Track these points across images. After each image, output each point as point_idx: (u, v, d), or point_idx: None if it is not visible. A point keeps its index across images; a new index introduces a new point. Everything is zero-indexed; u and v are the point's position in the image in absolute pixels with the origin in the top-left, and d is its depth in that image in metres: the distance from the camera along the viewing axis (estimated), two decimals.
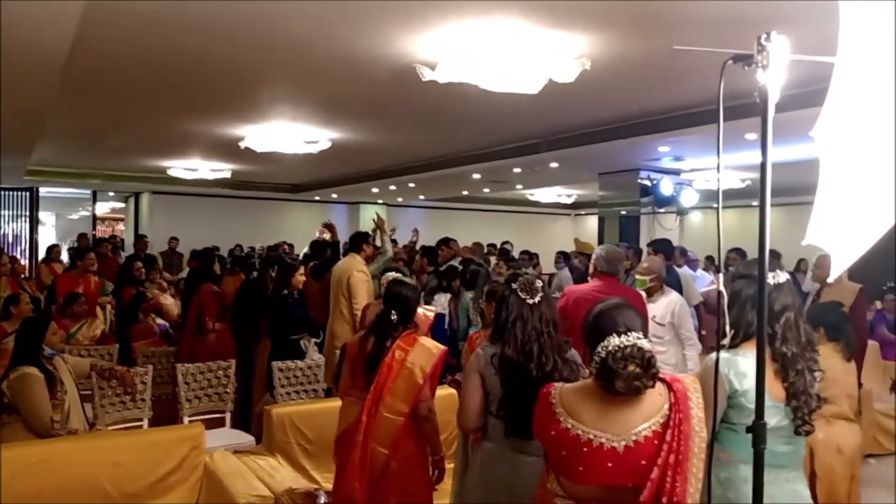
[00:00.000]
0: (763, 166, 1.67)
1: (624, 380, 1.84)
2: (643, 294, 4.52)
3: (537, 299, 2.58)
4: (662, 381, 1.95)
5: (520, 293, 2.61)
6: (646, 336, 1.94)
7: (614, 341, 1.88)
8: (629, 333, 1.89)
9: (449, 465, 3.15)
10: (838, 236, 1.67)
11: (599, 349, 1.89)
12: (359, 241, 6.12)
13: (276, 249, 9.41)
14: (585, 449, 1.88)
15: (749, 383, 2.11)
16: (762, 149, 1.68)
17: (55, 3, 3.48)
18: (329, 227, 7.73)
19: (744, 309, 2.26)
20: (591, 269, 4.40)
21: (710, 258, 10.25)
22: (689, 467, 1.86)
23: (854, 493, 3.43)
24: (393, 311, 3.02)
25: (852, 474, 3.41)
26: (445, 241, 7.31)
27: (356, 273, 5.65)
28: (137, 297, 6.37)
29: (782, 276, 2.27)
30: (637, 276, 4.70)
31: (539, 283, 2.63)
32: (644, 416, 1.88)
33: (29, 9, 3.54)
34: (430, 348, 2.98)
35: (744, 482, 2.07)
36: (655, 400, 1.90)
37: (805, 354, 2.20)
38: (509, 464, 2.50)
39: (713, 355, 2.17)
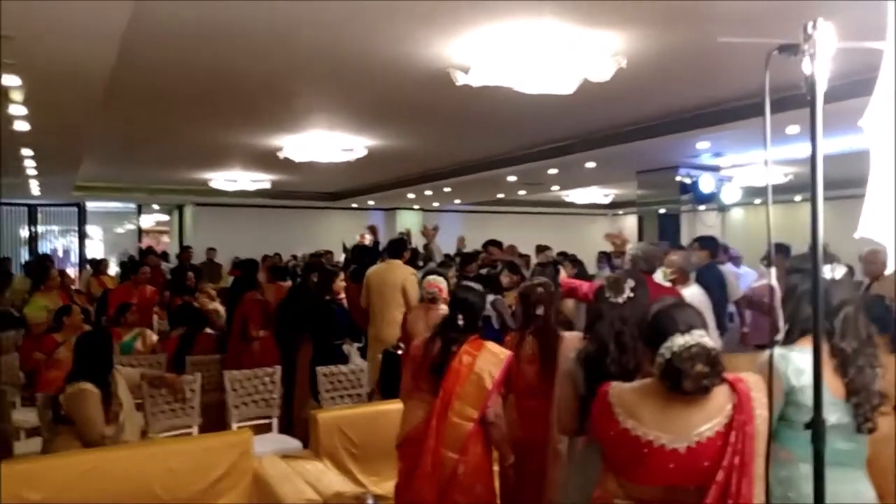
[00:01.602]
0: (813, 158, 1.64)
1: (692, 379, 1.82)
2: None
3: (621, 299, 2.59)
4: (725, 380, 1.92)
5: (606, 292, 2.64)
6: (707, 333, 1.92)
7: (679, 341, 1.86)
8: (692, 332, 1.87)
9: None
10: (892, 229, 1.62)
11: (663, 350, 1.87)
12: (400, 248, 6.17)
13: (321, 257, 9.54)
14: (646, 450, 1.86)
15: (807, 380, 2.04)
16: (812, 141, 1.64)
17: (100, 20, 3.59)
18: (372, 229, 7.83)
19: (800, 304, 2.19)
20: (630, 268, 4.39)
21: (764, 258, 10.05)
22: (754, 468, 1.83)
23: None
24: (460, 316, 3.03)
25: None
26: (493, 243, 7.32)
27: (410, 277, 5.70)
28: (185, 306, 6.51)
29: (840, 271, 2.20)
30: (660, 270, 4.74)
31: (629, 284, 2.64)
32: (706, 417, 1.85)
33: (74, 26, 3.66)
34: (497, 353, 2.98)
35: (804, 481, 2.00)
36: (718, 400, 1.87)
37: (866, 350, 2.12)
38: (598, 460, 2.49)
39: (768, 352, 2.13)
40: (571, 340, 3.16)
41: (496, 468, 3.11)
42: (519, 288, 3.64)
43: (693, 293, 4.70)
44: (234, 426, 4.60)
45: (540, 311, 3.39)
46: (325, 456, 3.91)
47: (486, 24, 4.21)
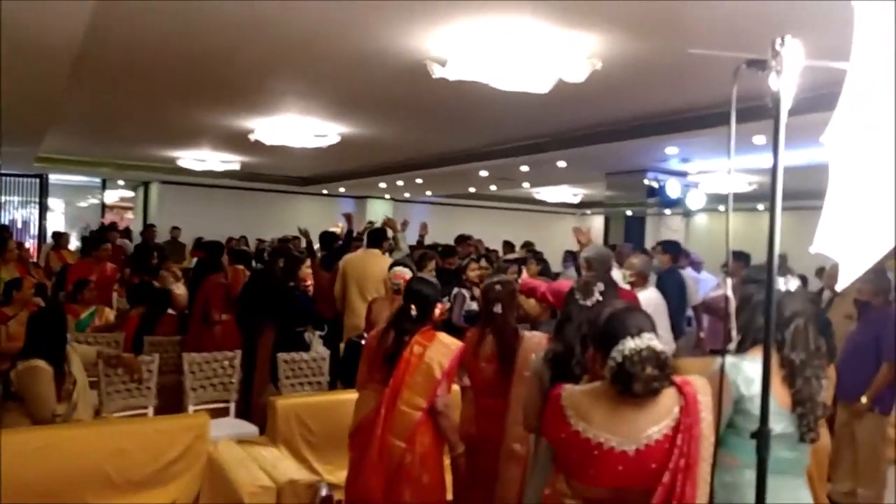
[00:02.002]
0: (774, 171, 1.67)
1: (643, 382, 1.85)
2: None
3: (590, 302, 2.61)
4: (673, 383, 1.95)
5: (575, 294, 2.67)
6: (656, 336, 1.95)
7: (629, 344, 1.88)
8: (642, 335, 1.89)
9: None
10: (847, 246, 1.66)
11: (614, 353, 1.89)
12: (380, 238, 6.16)
13: (289, 242, 9.45)
14: (596, 452, 1.88)
15: (756, 389, 2.07)
16: (774, 154, 1.68)
17: None
18: (347, 217, 7.82)
19: (753, 314, 2.23)
20: (584, 269, 4.45)
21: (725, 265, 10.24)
22: (699, 471, 1.87)
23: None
24: (413, 307, 3.04)
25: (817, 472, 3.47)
26: (463, 238, 7.34)
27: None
28: (144, 285, 6.40)
29: (794, 283, 2.24)
30: (619, 272, 4.86)
31: (599, 287, 2.67)
32: (655, 420, 1.88)
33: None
34: (448, 344, 3.01)
35: (748, 487, 2.04)
36: (666, 403, 1.91)
37: (813, 362, 2.17)
38: None
39: (720, 360, 2.17)
40: (531, 340, 3.20)
41: (447, 462, 3.14)
42: (482, 285, 3.66)
43: (649, 296, 4.81)
44: (191, 409, 4.56)
45: (498, 309, 3.39)
46: (281, 443, 3.90)
47: (465, 18, 4.21)
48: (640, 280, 4.95)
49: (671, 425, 1.88)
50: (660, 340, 4.70)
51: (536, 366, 2.65)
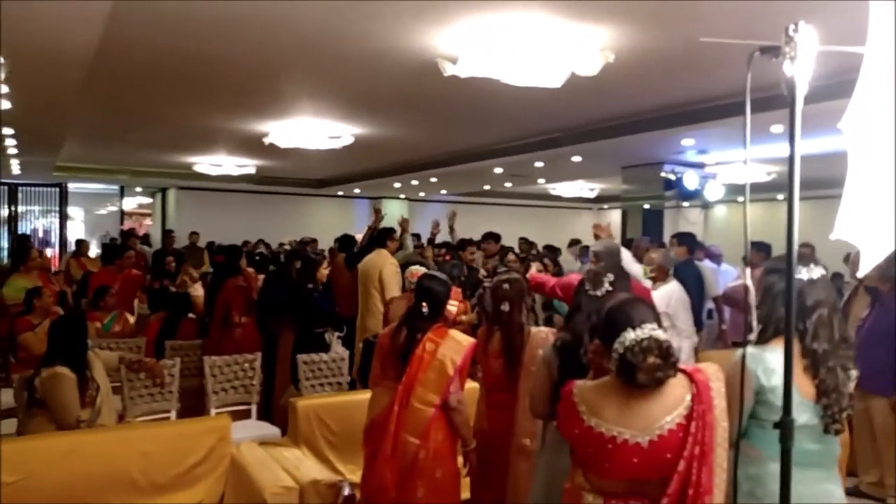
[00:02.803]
0: (791, 160, 1.65)
1: (645, 372, 1.85)
2: (646, 283, 4.61)
3: (600, 292, 2.65)
4: (683, 371, 1.95)
5: (585, 285, 2.71)
6: (660, 327, 1.94)
7: (630, 335, 1.88)
8: (643, 326, 1.89)
9: None
10: (867, 231, 1.64)
11: (616, 345, 1.90)
12: (384, 237, 6.19)
13: (307, 245, 9.53)
14: (610, 446, 1.88)
15: (777, 379, 2.07)
16: (790, 142, 1.66)
17: (83, 1, 3.54)
18: (377, 212, 7.85)
19: (774, 304, 2.20)
20: (592, 262, 4.43)
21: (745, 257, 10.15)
22: (714, 458, 1.86)
23: None
24: (424, 304, 3.07)
25: None
26: (491, 236, 7.34)
27: (388, 266, 5.74)
28: (162, 291, 6.47)
29: (817, 272, 2.20)
30: (639, 267, 4.85)
31: (608, 278, 2.69)
32: (667, 410, 1.88)
33: (58, 5, 3.61)
34: (460, 341, 3.03)
35: (772, 479, 2.01)
36: (677, 392, 1.90)
37: (838, 352, 2.13)
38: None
39: (740, 351, 2.15)
40: (538, 336, 3.21)
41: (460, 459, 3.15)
42: (490, 283, 3.68)
43: (671, 290, 4.78)
44: (213, 412, 4.59)
45: (505, 307, 3.43)
46: (303, 443, 3.92)
47: (476, 15, 4.20)
48: (661, 274, 4.95)
49: (684, 414, 1.88)
50: (681, 334, 4.68)
51: (545, 353, 2.67)
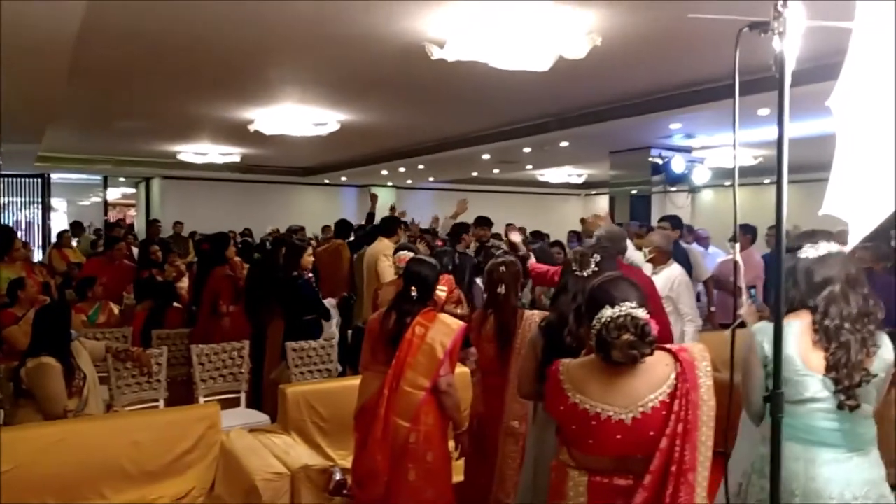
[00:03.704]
0: (780, 137, 1.66)
1: (619, 349, 1.87)
2: (647, 268, 4.58)
3: (586, 273, 2.65)
4: (669, 351, 1.97)
5: (572, 265, 2.71)
6: (643, 307, 1.94)
7: (607, 312, 1.91)
8: (623, 304, 1.91)
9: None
10: (855, 206, 1.65)
11: (595, 322, 1.93)
12: (393, 226, 6.23)
13: (295, 233, 9.50)
14: (594, 422, 1.91)
15: (785, 351, 2.06)
16: (779, 118, 1.66)
17: None
18: (373, 197, 7.84)
19: (785, 281, 2.15)
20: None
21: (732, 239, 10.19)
22: (699, 436, 1.87)
23: None
24: (413, 288, 3.07)
25: None
26: (483, 221, 7.32)
27: (382, 258, 5.77)
28: (149, 280, 6.41)
29: (825, 248, 2.18)
30: (634, 249, 4.78)
31: (595, 258, 2.68)
32: (651, 387, 1.90)
33: None
34: (449, 324, 3.04)
35: (789, 460, 1.99)
36: (662, 370, 1.92)
37: (856, 327, 2.09)
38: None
39: (757, 325, 2.16)
40: (530, 319, 3.22)
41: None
42: (486, 266, 3.67)
43: (673, 273, 4.71)
44: (202, 400, 4.57)
45: (501, 289, 3.43)
46: (293, 430, 3.91)
47: None
48: (660, 257, 4.80)
49: (668, 392, 1.89)
50: (684, 317, 4.64)
51: (531, 334, 2.67)
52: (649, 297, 2.11)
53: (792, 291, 2.15)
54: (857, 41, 1.63)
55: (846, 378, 2.05)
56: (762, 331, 2.16)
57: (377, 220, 7.22)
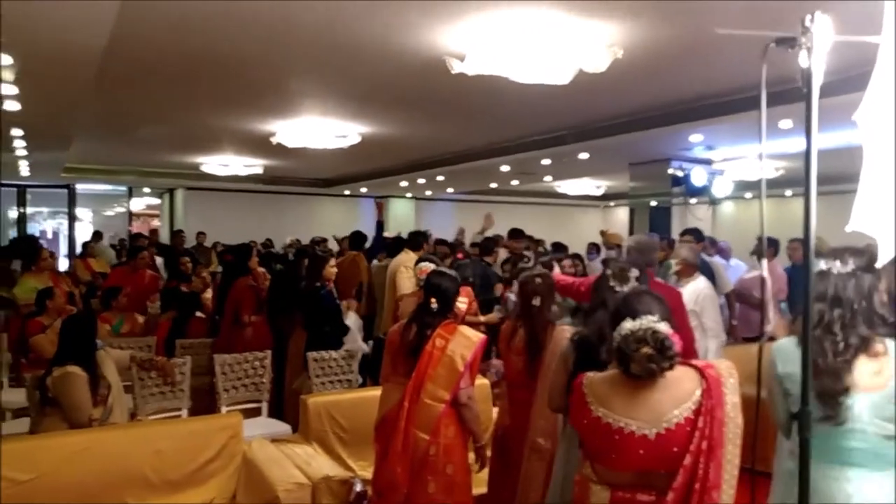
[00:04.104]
0: (808, 152, 1.66)
1: (638, 362, 1.86)
2: (670, 280, 4.56)
3: (625, 289, 2.63)
4: (695, 367, 1.95)
5: (610, 281, 2.70)
6: (670, 321, 1.94)
7: (627, 325, 1.91)
8: (644, 317, 1.91)
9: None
10: (884, 222, 1.64)
11: (615, 335, 1.93)
12: (419, 240, 6.42)
13: (318, 244, 9.58)
14: (617, 437, 1.90)
15: (792, 367, 2.03)
16: (807, 134, 1.66)
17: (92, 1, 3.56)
18: (379, 205, 7.90)
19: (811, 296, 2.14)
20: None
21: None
22: (724, 454, 1.85)
23: None
24: (433, 300, 3.08)
25: None
26: (517, 233, 7.34)
27: (402, 269, 5.84)
28: (174, 290, 6.48)
29: (825, 264, 2.14)
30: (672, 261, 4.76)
31: (634, 274, 2.66)
32: (675, 403, 1.89)
33: (67, 5, 3.62)
34: (469, 336, 3.04)
35: (816, 479, 1.91)
36: (687, 386, 1.91)
37: (848, 330, 2.03)
38: None
39: (775, 343, 2.14)
40: (562, 335, 3.19)
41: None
42: (519, 278, 3.65)
43: (699, 287, 4.67)
44: (224, 410, 4.61)
45: (536, 302, 3.41)
46: (314, 440, 3.92)
47: (483, 12, 4.19)
48: (686, 269, 4.77)
49: (692, 408, 1.88)
50: (707, 332, 4.57)
51: (563, 348, 2.66)
52: (675, 311, 2.10)
53: (819, 306, 2.09)
54: (884, 55, 1.62)
55: (819, 387, 1.98)
56: (777, 349, 2.13)
57: (386, 229, 7.31)
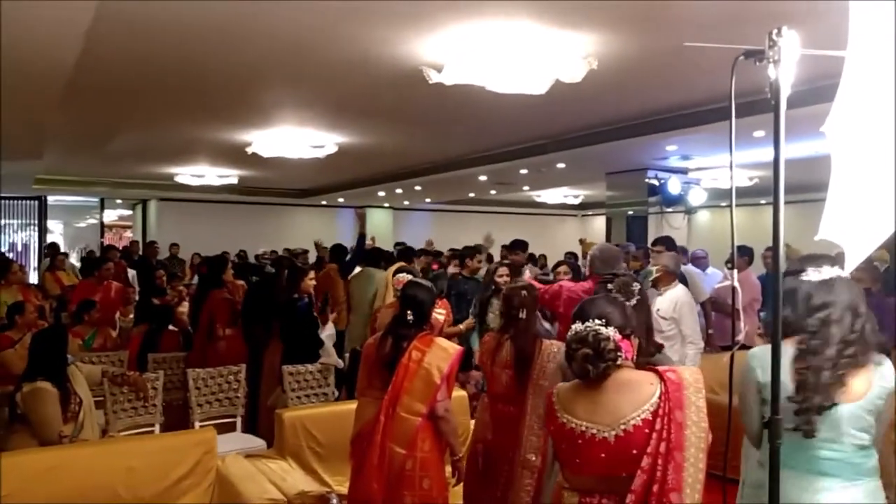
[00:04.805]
0: (776, 162, 1.67)
1: (577, 362, 1.91)
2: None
3: (633, 302, 2.63)
4: (655, 371, 1.99)
5: (615, 294, 2.68)
6: (624, 327, 1.96)
7: (575, 327, 1.96)
8: (593, 320, 1.94)
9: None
10: (851, 231, 1.66)
11: (567, 338, 1.98)
12: (411, 254, 6.57)
13: (297, 256, 9.50)
14: (580, 441, 1.93)
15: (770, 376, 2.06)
16: (775, 145, 1.68)
17: (64, 11, 3.50)
18: (361, 216, 7.83)
19: (785, 305, 2.08)
20: (587, 270, 4.39)
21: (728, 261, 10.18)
22: (686, 457, 1.85)
23: None
24: (409, 313, 3.05)
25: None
26: (518, 244, 7.30)
27: (384, 280, 5.89)
28: (147, 303, 6.39)
29: (829, 272, 2.14)
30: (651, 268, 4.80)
31: (636, 287, 2.66)
32: (634, 406, 1.91)
33: (38, 18, 3.57)
34: (446, 348, 3.02)
35: (786, 487, 1.92)
36: (646, 389, 1.93)
37: (842, 353, 2.02)
38: None
39: (751, 351, 2.15)
40: (550, 349, 3.18)
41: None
42: (504, 289, 3.62)
43: (678, 294, 4.70)
44: (197, 425, 4.54)
45: (522, 314, 3.35)
46: (289, 455, 3.88)
47: (460, 23, 4.21)
48: (666, 277, 4.78)
49: (650, 410, 1.90)
50: (685, 339, 4.58)
51: (560, 362, 2.65)
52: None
53: (789, 315, 2.09)
54: (850, 69, 1.65)
55: (806, 402, 2.00)
56: (756, 356, 2.14)
57: (369, 239, 7.27)
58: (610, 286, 2.74)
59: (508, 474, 3.21)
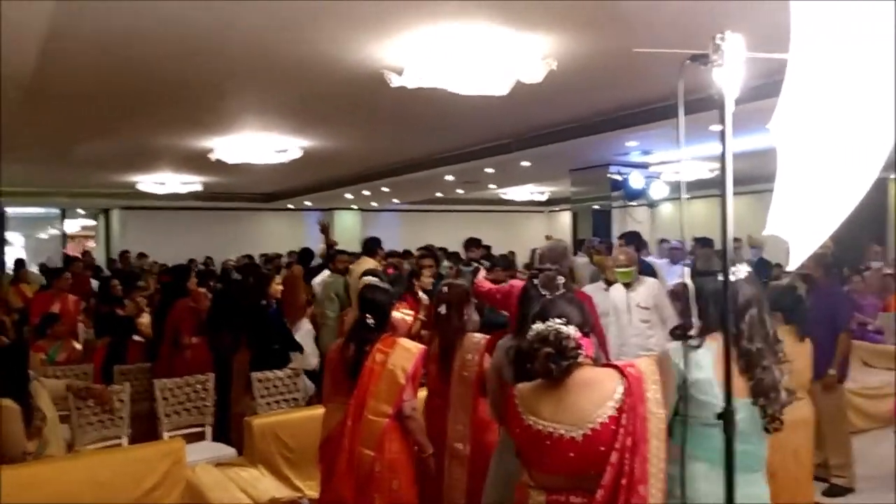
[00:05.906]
0: (723, 162, 1.72)
1: (538, 361, 1.93)
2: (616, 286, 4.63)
3: (557, 294, 2.63)
4: (615, 367, 2.02)
5: (540, 289, 2.70)
6: (583, 325, 1.99)
7: (535, 327, 1.98)
8: (553, 320, 1.96)
9: None
10: (797, 226, 1.72)
11: (529, 338, 2.00)
12: (374, 246, 6.33)
13: (272, 261, 9.40)
14: (548, 442, 1.95)
15: (702, 374, 2.10)
16: (722, 145, 1.73)
17: (21, 19, 3.44)
18: (324, 227, 7.62)
19: (707, 303, 2.13)
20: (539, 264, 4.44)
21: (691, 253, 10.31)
22: (650, 448, 1.90)
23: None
24: (368, 316, 3.05)
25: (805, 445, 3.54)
26: (473, 242, 7.31)
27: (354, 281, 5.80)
28: (109, 315, 6.30)
29: (743, 271, 2.21)
30: (619, 270, 4.76)
31: (560, 280, 2.69)
32: (598, 403, 1.93)
33: None
34: (409, 348, 3.04)
35: (696, 479, 2.04)
36: (608, 386, 1.96)
37: (773, 348, 2.13)
38: None
39: (671, 345, 2.20)
40: (470, 340, 3.23)
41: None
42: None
43: (651, 285, 4.75)
44: (166, 436, 4.48)
45: (443, 310, 3.41)
46: (260, 462, 3.87)
47: (420, 26, 4.23)
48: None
49: (615, 407, 1.93)
50: (667, 325, 4.58)
51: (496, 360, 2.69)
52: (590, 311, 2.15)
53: (712, 312, 2.11)
54: (793, 68, 1.70)
55: (774, 402, 2.08)
56: (679, 353, 2.15)
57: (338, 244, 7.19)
58: (535, 281, 2.77)
59: (440, 466, 3.25)
